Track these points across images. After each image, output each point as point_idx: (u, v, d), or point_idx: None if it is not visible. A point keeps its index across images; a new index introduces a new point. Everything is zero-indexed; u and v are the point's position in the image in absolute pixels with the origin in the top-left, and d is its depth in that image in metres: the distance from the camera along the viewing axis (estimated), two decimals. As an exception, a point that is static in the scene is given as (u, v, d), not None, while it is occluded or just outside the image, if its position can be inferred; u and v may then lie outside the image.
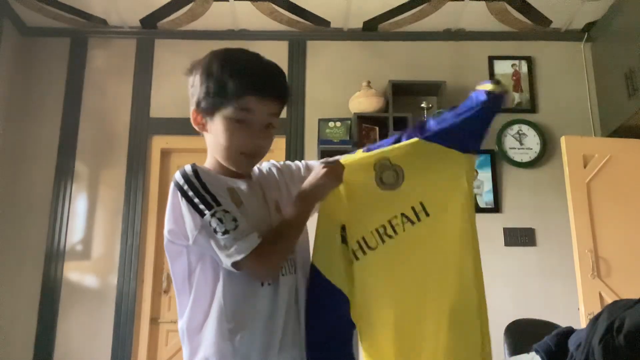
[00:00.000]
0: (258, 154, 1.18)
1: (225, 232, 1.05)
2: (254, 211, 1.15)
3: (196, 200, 1.09)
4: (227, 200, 1.09)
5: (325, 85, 3.55)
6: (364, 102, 3.32)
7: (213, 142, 1.20)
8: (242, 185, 1.18)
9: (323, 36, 3.62)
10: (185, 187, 1.12)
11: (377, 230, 1.18)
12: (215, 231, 1.05)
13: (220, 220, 1.05)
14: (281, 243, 1.11)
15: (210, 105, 1.15)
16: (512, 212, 3.36)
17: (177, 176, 1.14)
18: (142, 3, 3.34)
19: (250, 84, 1.13)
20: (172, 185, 1.17)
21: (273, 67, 1.19)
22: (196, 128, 1.24)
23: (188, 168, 1.14)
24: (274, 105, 1.16)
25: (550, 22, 3.52)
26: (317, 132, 3.40)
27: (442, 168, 1.20)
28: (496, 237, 3.31)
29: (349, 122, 3.35)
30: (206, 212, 1.07)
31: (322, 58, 3.60)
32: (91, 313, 3.20)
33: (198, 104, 1.18)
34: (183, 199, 1.12)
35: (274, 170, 1.32)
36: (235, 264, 1.05)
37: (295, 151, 3.41)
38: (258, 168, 1.30)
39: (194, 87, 1.19)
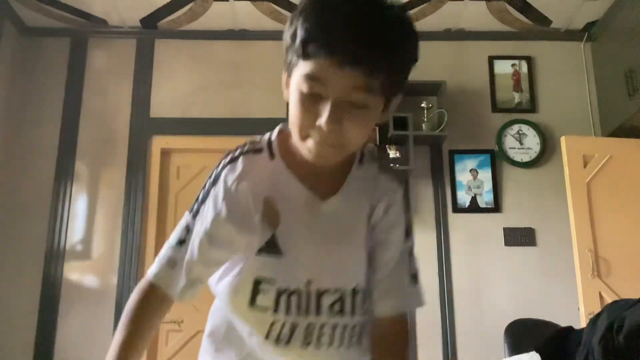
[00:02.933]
0: (335, 144, 0.82)
1: (171, 238, 0.91)
2: (305, 242, 0.90)
3: (200, 194, 0.93)
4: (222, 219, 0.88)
5: (325, 85, 3.55)
6: (364, 102, 3.31)
7: (290, 113, 0.86)
8: (305, 202, 0.90)
9: (323, 36, 3.62)
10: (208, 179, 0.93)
11: None
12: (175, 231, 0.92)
13: (181, 225, 0.92)
14: (122, 321, 0.96)
15: (287, 62, 0.85)
16: (512, 212, 3.36)
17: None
18: (142, 3, 3.34)
19: (318, 39, 0.77)
20: None
21: (369, 12, 0.78)
22: (284, 93, 0.89)
23: (233, 156, 0.92)
24: (357, 74, 0.77)
25: (550, 22, 3.52)
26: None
27: None
28: (496, 237, 3.31)
29: (349, 122, 3.34)
30: (187, 211, 0.92)
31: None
32: (91, 313, 3.20)
33: (285, 61, 0.86)
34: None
35: (391, 202, 0.95)
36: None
37: (295, 151, 3.41)
38: (382, 174, 0.96)
39: (284, 44, 0.87)
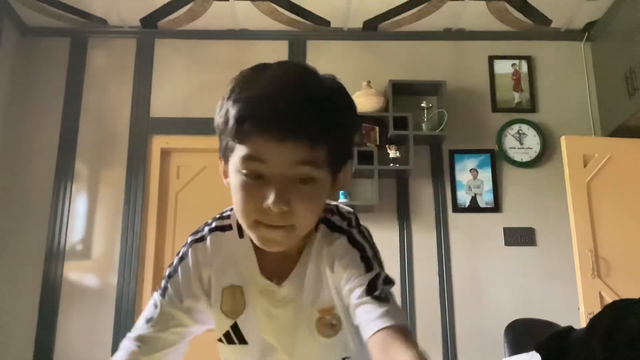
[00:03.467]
0: (286, 225, 0.77)
1: (142, 316, 0.90)
2: (265, 327, 0.89)
3: (168, 271, 0.93)
4: (183, 298, 0.88)
5: (325, 85, 3.55)
6: (364, 101, 3.31)
7: (233, 200, 0.82)
8: (263, 288, 0.88)
9: (323, 36, 3.62)
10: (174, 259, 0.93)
11: None
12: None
13: (150, 303, 0.90)
14: None
15: (221, 148, 0.81)
16: (512, 212, 3.36)
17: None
18: (142, 3, 3.34)
19: (250, 118, 0.73)
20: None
21: (293, 82, 0.75)
22: (224, 182, 0.86)
23: (199, 236, 0.93)
24: (302, 149, 0.73)
25: (550, 22, 3.52)
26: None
27: None
28: (496, 237, 3.32)
29: (349, 121, 3.34)
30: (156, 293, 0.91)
31: (322, 58, 3.60)
32: (91, 313, 3.20)
33: (219, 146, 0.82)
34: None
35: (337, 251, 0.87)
36: None
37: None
38: (330, 231, 0.88)
39: (217, 127, 0.82)
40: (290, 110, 0.71)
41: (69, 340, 3.15)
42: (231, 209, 0.92)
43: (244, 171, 0.75)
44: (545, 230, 3.33)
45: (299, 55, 3.59)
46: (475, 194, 3.38)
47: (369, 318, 0.76)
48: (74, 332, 3.16)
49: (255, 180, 0.75)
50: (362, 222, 0.91)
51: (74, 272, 3.27)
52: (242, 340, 0.89)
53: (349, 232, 0.87)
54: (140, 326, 0.88)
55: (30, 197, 3.35)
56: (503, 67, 3.59)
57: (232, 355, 0.92)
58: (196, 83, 3.55)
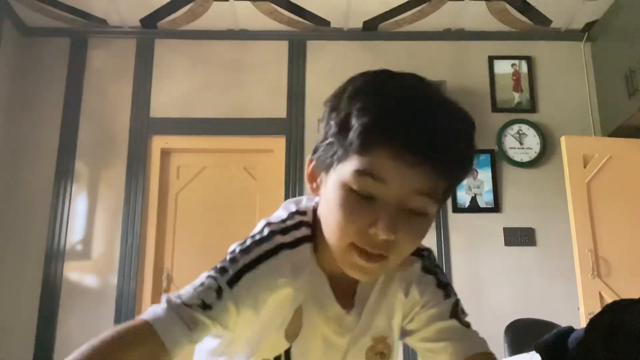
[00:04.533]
0: (382, 258, 0.69)
1: (191, 296, 0.70)
2: (314, 354, 0.80)
3: (232, 254, 0.74)
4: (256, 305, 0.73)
5: (326, 85, 3.53)
6: (364, 102, 3.31)
7: (324, 213, 0.74)
8: (330, 315, 0.79)
9: (323, 36, 3.62)
10: (248, 241, 0.76)
11: None
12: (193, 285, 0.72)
13: (207, 285, 0.71)
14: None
15: (326, 156, 0.71)
16: (512, 212, 3.36)
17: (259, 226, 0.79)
18: (142, 3, 3.34)
19: (387, 134, 0.64)
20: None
21: (445, 113, 0.67)
22: (308, 185, 0.78)
23: (275, 241, 0.75)
24: (427, 180, 0.65)
25: (550, 22, 3.52)
26: (317, 132, 3.40)
27: None
28: (496, 237, 3.31)
29: (349, 122, 3.34)
30: (210, 271, 0.73)
31: (322, 58, 3.60)
32: (91, 313, 3.20)
33: (315, 149, 0.74)
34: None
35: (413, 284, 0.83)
36: None
37: (295, 152, 3.41)
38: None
39: (322, 132, 0.74)
40: (431, 136, 0.63)
41: (69, 340, 3.15)
42: (302, 212, 0.80)
43: (355, 187, 0.66)
44: (545, 230, 3.33)
45: (299, 56, 3.59)
46: (475, 194, 3.38)
47: (461, 339, 0.76)
48: (74, 332, 3.16)
49: (364, 200, 0.66)
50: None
51: (74, 272, 3.27)
52: None
53: (421, 257, 0.83)
54: (193, 303, 0.69)
55: (30, 197, 3.35)
56: (503, 67, 3.59)
57: None
58: (196, 83, 3.55)
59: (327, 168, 0.71)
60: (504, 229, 3.33)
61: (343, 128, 0.66)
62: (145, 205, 3.37)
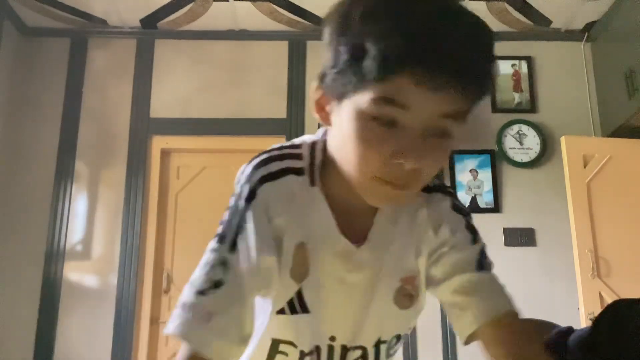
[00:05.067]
0: (409, 184, 0.65)
1: (200, 280, 0.69)
2: (334, 297, 0.76)
3: (224, 218, 0.74)
4: (259, 253, 0.69)
5: (325, 86, 3.54)
6: (364, 102, 3.31)
7: (337, 144, 0.70)
8: (339, 250, 0.75)
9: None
10: (232, 199, 0.75)
11: None
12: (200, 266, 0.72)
13: (211, 262, 0.71)
14: None
15: (338, 84, 0.66)
16: (512, 212, 3.36)
17: (237, 175, 0.77)
18: (142, 3, 3.34)
19: (408, 59, 0.58)
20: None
21: (465, 28, 0.61)
22: (316, 116, 0.72)
23: (254, 174, 0.73)
24: (452, 103, 0.61)
25: (550, 22, 3.52)
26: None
27: None
28: (496, 237, 3.31)
29: (349, 122, 3.34)
30: (214, 241, 0.73)
31: (322, 58, 3.59)
32: (91, 313, 3.20)
33: (322, 76, 0.71)
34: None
35: (444, 225, 0.78)
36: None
37: (295, 151, 3.41)
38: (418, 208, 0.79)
39: (329, 57, 0.70)
40: (460, 56, 0.58)
41: (69, 340, 3.15)
42: (300, 147, 0.76)
43: (375, 115, 0.61)
44: (545, 230, 3.33)
45: (299, 56, 3.59)
46: (475, 195, 3.38)
47: (488, 296, 0.74)
48: (74, 332, 3.16)
49: (385, 128, 0.62)
50: None
51: (74, 273, 3.27)
52: (305, 309, 0.74)
53: (450, 195, 0.80)
54: (204, 288, 0.67)
55: (30, 198, 3.35)
56: (503, 68, 3.59)
57: (287, 329, 0.75)
58: (196, 83, 3.55)
59: (340, 97, 0.65)
60: (504, 229, 3.33)
61: (357, 54, 0.60)
62: (145, 205, 3.37)
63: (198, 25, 3.55)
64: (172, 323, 0.66)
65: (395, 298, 0.78)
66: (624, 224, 3.06)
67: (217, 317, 0.65)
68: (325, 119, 0.71)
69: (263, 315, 0.75)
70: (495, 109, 3.52)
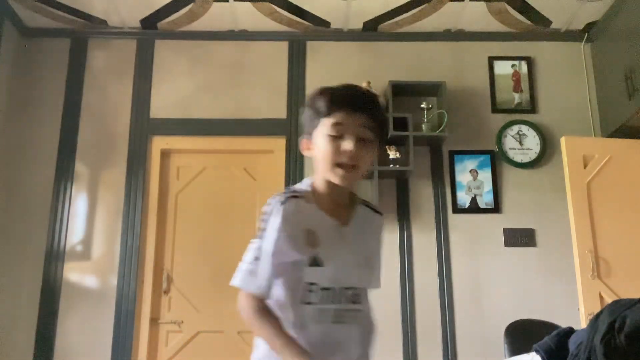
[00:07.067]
0: (355, 167, 1.26)
1: (249, 256, 1.27)
2: (336, 255, 1.29)
3: (261, 225, 1.29)
4: (283, 240, 1.24)
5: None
6: (364, 102, 3.32)
7: (318, 156, 1.30)
8: (332, 229, 1.31)
9: (323, 37, 3.62)
10: (265, 213, 1.29)
11: None
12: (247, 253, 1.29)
13: (254, 247, 1.28)
14: (257, 322, 1.23)
15: (310, 127, 1.31)
16: (512, 213, 3.36)
17: (268, 201, 1.30)
18: (142, 4, 3.34)
19: (338, 101, 1.28)
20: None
21: (362, 89, 1.34)
22: (305, 154, 1.36)
23: (282, 200, 1.27)
24: (363, 118, 1.26)
25: (550, 22, 3.52)
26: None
27: None
28: (496, 238, 3.31)
29: (349, 122, 3.35)
30: (255, 239, 1.29)
31: (322, 58, 3.60)
32: (91, 313, 3.20)
33: (305, 131, 1.34)
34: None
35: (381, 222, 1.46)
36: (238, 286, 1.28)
37: (295, 152, 3.41)
38: (371, 209, 1.44)
39: (305, 120, 1.35)
40: (360, 99, 1.30)
41: (69, 341, 3.15)
42: (298, 187, 1.35)
43: (332, 133, 1.25)
44: (545, 230, 3.33)
45: (299, 56, 3.59)
46: (475, 195, 3.38)
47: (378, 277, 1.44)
48: (74, 333, 3.16)
49: (337, 139, 1.26)
50: None
51: (74, 273, 3.27)
52: (321, 264, 1.26)
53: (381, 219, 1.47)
54: (251, 262, 1.26)
55: (30, 198, 3.35)
56: (503, 68, 3.60)
57: (313, 276, 1.25)
58: (196, 84, 3.55)
59: (311, 131, 1.31)
60: (504, 229, 3.33)
61: (316, 109, 1.30)
62: (145, 206, 3.37)
63: (198, 25, 3.55)
64: (236, 279, 1.27)
65: (365, 263, 1.36)
66: (624, 224, 3.06)
67: (256, 275, 1.25)
68: (308, 151, 1.34)
69: (299, 271, 1.24)
70: (495, 109, 3.52)
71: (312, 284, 1.26)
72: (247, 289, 1.25)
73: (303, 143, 1.34)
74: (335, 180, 1.26)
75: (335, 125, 1.25)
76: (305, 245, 1.25)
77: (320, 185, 1.32)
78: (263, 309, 1.24)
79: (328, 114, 1.26)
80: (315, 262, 1.26)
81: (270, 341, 1.20)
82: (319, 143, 1.27)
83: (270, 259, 1.23)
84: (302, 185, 1.36)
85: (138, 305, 3.23)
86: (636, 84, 3.02)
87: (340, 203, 1.34)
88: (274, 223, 1.24)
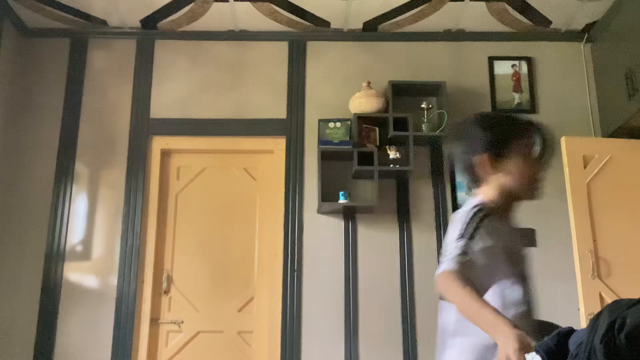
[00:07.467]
0: (542, 184, 1.54)
1: (456, 251, 1.41)
2: (511, 245, 1.51)
3: (461, 229, 1.48)
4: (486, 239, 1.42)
5: (326, 86, 3.55)
6: (364, 102, 3.32)
7: (512, 173, 1.50)
8: (506, 226, 1.54)
9: (323, 37, 3.62)
10: (464, 218, 1.51)
11: None
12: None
13: (460, 245, 1.42)
14: (462, 297, 1.28)
15: (501, 152, 1.50)
16: (512, 213, 3.35)
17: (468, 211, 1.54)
18: (142, 4, 3.34)
19: (545, 146, 1.54)
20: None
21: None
22: (482, 172, 1.57)
23: (484, 210, 1.50)
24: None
25: (550, 22, 3.52)
26: (317, 132, 3.40)
27: None
28: (496, 238, 3.31)
29: (349, 122, 3.35)
30: (458, 239, 1.44)
31: (322, 58, 3.60)
32: (91, 313, 3.20)
33: (489, 150, 1.52)
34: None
35: None
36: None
37: (295, 151, 3.41)
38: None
39: (472, 139, 1.54)
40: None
41: (69, 341, 3.15)
42: (482, 206, 1.54)
43: (531, 151, 1.51)
44: (545, 230, 3.33)
45: (299, 56, 3.59)
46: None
47: None
48: (74, 333, 3.16)
49: (534, 156, 1.52)
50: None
51: (74, 273, 3.27)
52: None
53: None
54: (459, 255, 1.40)
55: (30, 198, 3.35)
56: (503, 68, 3.60)
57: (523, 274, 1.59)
58: (196, 84, 3.55)
59: (501, 156, 1.51)
60: (504, 229, 3.32)
61: (531, 143, 1.53)
62: (145, 206, 3.37)
63: (198, 25, 3.55)
64: (444, 265, 1.38)
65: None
66: (624, 224, 3.06)
67: (466, 264, 1.36)
68: (487, 170, 1.55)
69: (508, 267, 1.50)
70: (495, 109, 3.52)
71: (525, 281, 1.64)
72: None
73: (483, 160, 1.52)
74: (529, 196, 1.53)
75: (533, 145, 1.51)
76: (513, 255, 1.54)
77: (499, 203, 1.54)
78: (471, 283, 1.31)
79: (533, 144, 1.50)
80: (524, 271, 1.63)
81: (472, 315, 1.23)
82: (518, 162, 1.49)
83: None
84: (486, 202, 1.58)
85: (138, 305, 3.23)
86: (636, 84, 3.02)
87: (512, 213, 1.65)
88: (489, 223, 1.46)
